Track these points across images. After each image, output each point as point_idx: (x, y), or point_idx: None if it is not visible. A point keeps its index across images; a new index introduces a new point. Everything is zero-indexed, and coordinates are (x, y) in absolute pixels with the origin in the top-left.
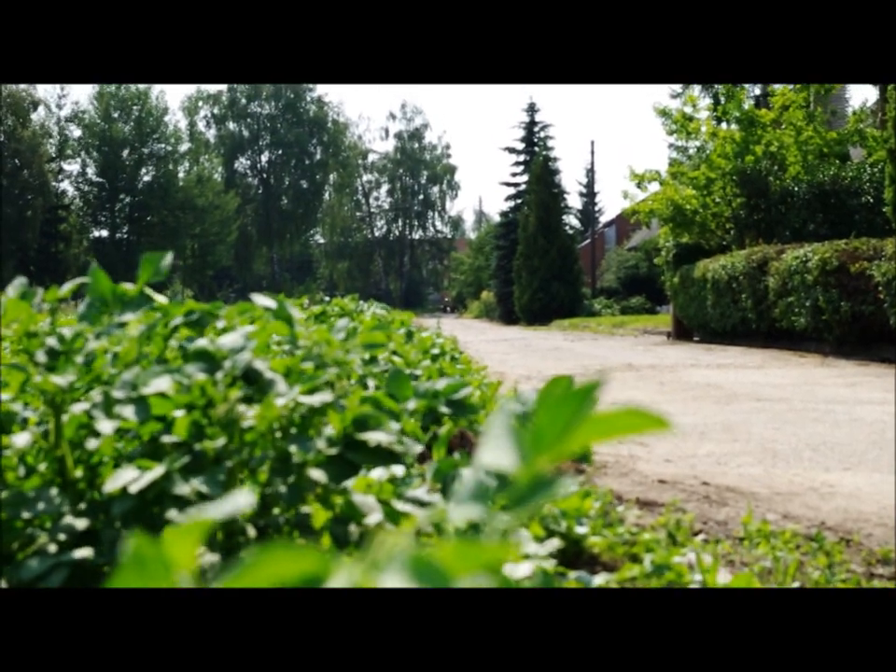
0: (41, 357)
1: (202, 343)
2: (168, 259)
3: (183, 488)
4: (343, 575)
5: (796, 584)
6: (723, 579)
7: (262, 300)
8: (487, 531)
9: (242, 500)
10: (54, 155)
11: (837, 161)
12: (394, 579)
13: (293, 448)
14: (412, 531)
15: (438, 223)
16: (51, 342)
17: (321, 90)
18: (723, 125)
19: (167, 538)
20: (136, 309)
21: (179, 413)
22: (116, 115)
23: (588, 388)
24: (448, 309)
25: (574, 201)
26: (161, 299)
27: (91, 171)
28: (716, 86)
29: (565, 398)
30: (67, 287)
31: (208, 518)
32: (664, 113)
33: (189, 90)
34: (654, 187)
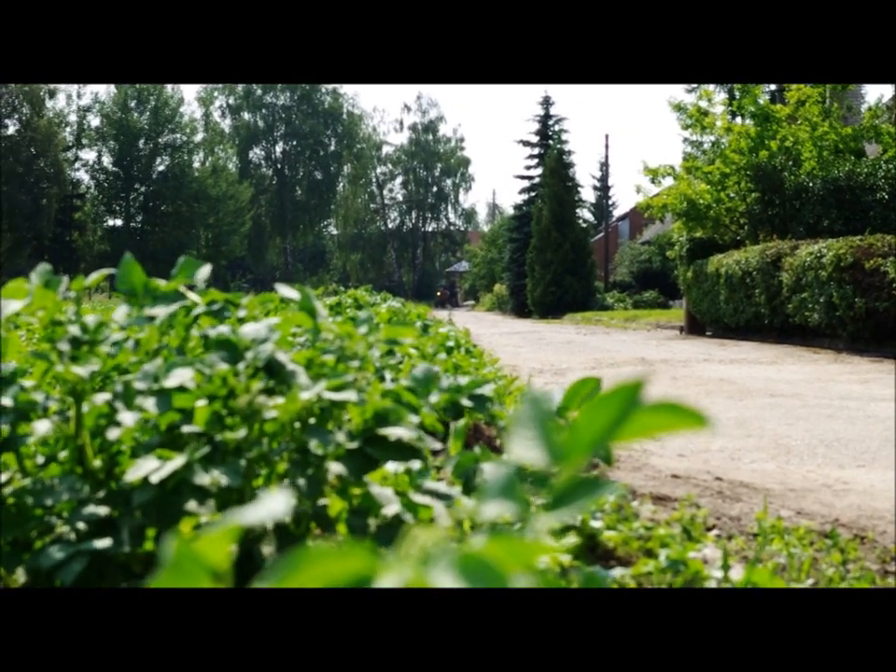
0: (64, 346)
1: (223, 330)
2: (206, 270)
3: (203, 478)
4: (392, 575)
5: (810, 581)
6: (736, 575)
7: (286, 290)
8: (528, 531)
9: (278, 506)
10: (70, 144)
11: (852, 157)
12: (444, 578)
13: (313, 441)
14: (444, 526)
15: (451, 215)
16: (74, 330)
17: None
18: (738, 120)
19: (202, 540)
20: (170, 303)
21: (200, 403)
22: (133, 104)
23: (631, 388)
24: (451, 304)
25: (588, 194)
26: (194, 297)
27: (106, 160)
28: None
29: (607, 397)
30: (94, 277)
31: (242, 523)
32: (678, 108)
33: None
34: (668, 181)
